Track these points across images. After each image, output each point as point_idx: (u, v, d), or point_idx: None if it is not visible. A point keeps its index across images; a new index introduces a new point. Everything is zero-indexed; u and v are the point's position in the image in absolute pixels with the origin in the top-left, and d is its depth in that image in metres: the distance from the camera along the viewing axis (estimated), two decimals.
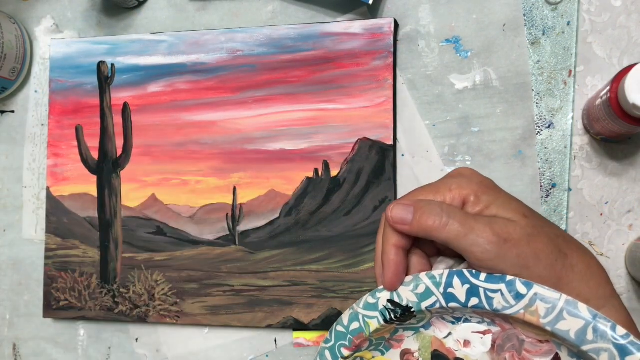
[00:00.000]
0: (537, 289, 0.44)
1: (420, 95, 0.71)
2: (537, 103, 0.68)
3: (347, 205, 0.71)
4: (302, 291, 0.72)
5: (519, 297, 0.45)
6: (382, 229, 0.51)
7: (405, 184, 0.71)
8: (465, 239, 0.45)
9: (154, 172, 0.77)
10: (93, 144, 0.79)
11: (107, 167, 0.79)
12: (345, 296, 0.71)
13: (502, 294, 0.45)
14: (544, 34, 0.68)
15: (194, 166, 0.76)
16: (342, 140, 0.72)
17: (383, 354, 0.54)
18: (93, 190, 0.79)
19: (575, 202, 0.67)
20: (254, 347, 0.75)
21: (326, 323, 0.71)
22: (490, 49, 0.70)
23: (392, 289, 0.50)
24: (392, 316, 0.50)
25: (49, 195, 0.80)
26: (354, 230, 0.71)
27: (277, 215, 0.73)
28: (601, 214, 0.67)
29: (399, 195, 0.71)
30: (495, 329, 0.49)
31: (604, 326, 0.42)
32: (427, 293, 0.48)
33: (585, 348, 0.43)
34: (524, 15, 0.69)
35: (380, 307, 0.50)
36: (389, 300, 0.50)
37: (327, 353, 0.54)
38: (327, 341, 0.54)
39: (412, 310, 0.49)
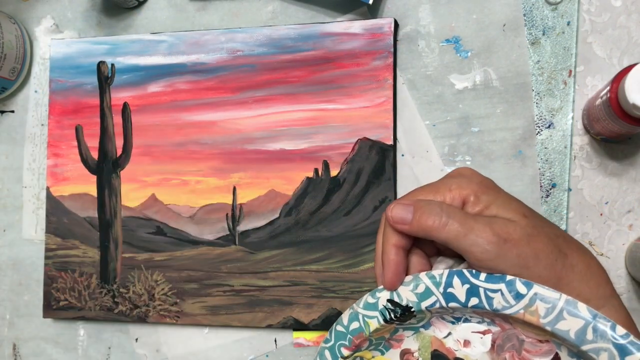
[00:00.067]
0: (537, 288, 0.44)
1: (420, 95, 0.71)
2: (537, 103, 0.68)
3: (347, 205, 0.71)
4: (302, 291, 0.72)
5: (518, 296, 0.45)
6: (382, 229, 0.51)
7: (405, 184, 0.71)
8: (465, 239, 0.45)
9: (154, 172, 0.77)
10: (93, 144, 0.79)
11: (107, 167, 0.79)
12: (345, 296, 0.71)
13: (502, 294, 0.45)
14: (544, 34, 0.68)
15: (194, 166, 0.76)
16: (342, 140, 0.72)
17: (383, 353, 0.54)
18: (93, 190, 0.79)
19: (575, 202, 0.67)
20: (254, 347, 0.75)
21: (326, 323, 0.71)
22: (490, 49, 0.70)
23: (392, 288, 0.50)
24: (392, 316, 0.50)
25: (49, 195, 0.80)
26: (354, 230, 0.71)
27: (277, 215, 0.73)
28: (601, 214, 0.67)
29: (399, 195, 0.71)
30: (495, 329, 0.49)
31: (604, 326, 0.42)
32: (427, 293, 0.48)
33: (585, 348, 0.43)
34: (524, 15, 0.69)
35: (380, 306, 0.50)
36: (388, 300, 0.50)
37: (327, 353, 0.54)
38: (327, 341, 0.54)
39: (412, 310, 0.49)
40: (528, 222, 0.46)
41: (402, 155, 0.71)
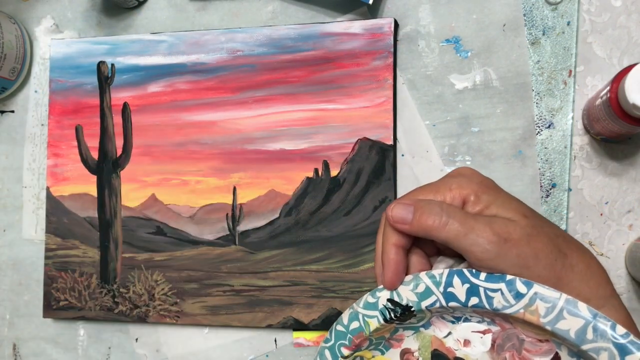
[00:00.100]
0: (537, 288, 0.44)
1: (420, 95, 0.71)
2: (537, 103, 0.68)
3: (347, 205, 0.71)
4: (302, 291, 0.72)
5: (518, 296, 0.45)
6: (382, 229, 0.51)
7: (405, 184, 0.71)
8: (465, 239, 0.45)
9: (154, 172, 0.77)
10: (93, 144, 0.79)
11: (107, 167, 0.79)
12: (345, 296, 0.71)
13: (502, 293, 0.45)
14: (544, 34, 0.68)
15: (194, 166, 0.76)
16: (342, 140, 0.72)
17: (383, 353, 0.54)
18: (93, 190, 0.79)
19: (575, 202, 0.67)
20: (254, 347, 0.75)
21: (326, 323, 0.71)
22: (490, 49, 0.70)
23: (392, 288, 0.49)
24: (392, 315, 0.50)
25: (49, 195, 0.80)
26: (354, 230, 0.71)
27: (277, 215, 0.73)
28: (601, 214, 0.67)
29: (399, 195, 0.71)
30: (495, 329, 0.49)
31: (604, 325, 0.42)
32: (427, 292, 0.48)
33: (585, 347, 0.43)
34: (524, 15, 0.69)
35: (380, 306, 0.50)
36: (388, 300, 0.50)
37: (327, 352, 0.54)
38: (327, 340, 0.54)
39: (412, 309, 0.49)
40: (528, 222, 0.46)
41: (402, 155, 0.71)
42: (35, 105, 0.84)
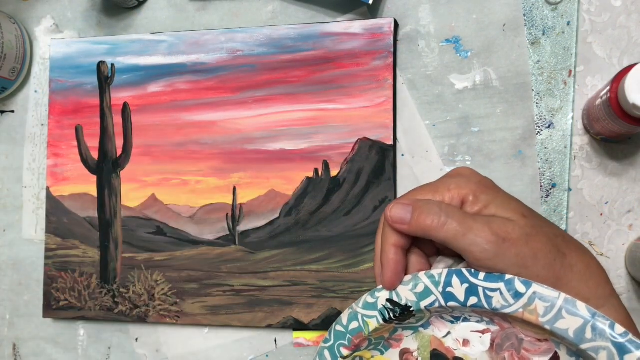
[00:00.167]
0: (535, 287, 0.44)
1: (420, 95, 0.71)
2: (537, 103, 0.68)
3: (347, 205, 0.71)
4: (302, 291, 0.72)
5: (517, 296, 0.45)
6: (381, 229, 0.51)
7: (405, 184, 0.71)
8: (463, 239, 0.45)
9: (154, 172, 0.77)
10: (93, 144, 0.79)
11: (107, 167, 0.79)
12: (345, 296, 0.70)
13: (501, 293, 0.45)
14: (544, 34, 0.68)
15: (194, 166, 0.76)
16: (342, 140, 0.72)
17: (382, 353, 0.54)
18: (93, 190, 0.79)
19: (575, 202, 0.67)
20: (254, 347, 0.75)
21: (326, 323, 0.71)
22: (490, 49, 0.70)
23: (391, 288, 0.49)
24: (391, 315, 0.50)
25: (49, 195, 0.80)
26: (354, 230, 0.71)
27: (277, 215, 0.73)
28: (601, 214, 0.67)
29: (399, 195, 0.71)
30: (494, 328, 0.49)
31: (603, 324, 0.42)
32: (426, 292, 0.48)
33: (584, 346, 0.43)
34: (524, 15, 0.69)
35: (380, 306, 0.50)
36: (388, 300, 0.50)
37: (327, 353, 0.54)
38: (326, 341, 0.54)
39: (411, 309, 0.49)
40: (527, 221, 0.46)
41: (402, 155, 0.71)
42: (35, 105, 0.84)
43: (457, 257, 0.50)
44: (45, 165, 0.83)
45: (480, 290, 0.46)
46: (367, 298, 0.51)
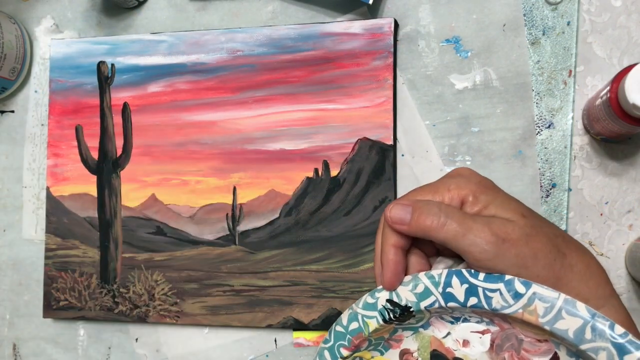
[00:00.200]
0: (535, 288, 0.44)
1: (420, 95, 0.71)
2: (537, 103, 0.68)
3: (347, 205, 0.71)
4: (302, 291, 0.72)
5: (517, 296, 0.45)
6: (381, 229, 0.51)
7: (405, 184, 0.71)
8: (463, 239, 0.45)
9: (154, 172, 0.77)
10: (93, 144, 0.79)
11: (107, 167, 0.79)
12: (345, 296, 0.70)
13: (501, 294, 0.45)
14: (544, 34, 0.68)
15: (194, 166, 0.76)
16: (342, 140, 0.72)
17: (382, 353, 0.54)
18: (93, 190, 0.79)
19: (575, 202, 0.67)
20: (254, 347, 0.75)
21: (326, 323, 0.71)
22: (490, 49, 0.70)
23: (391, 288, 0.49)
24: (391, 316, 0.50)
25: (49, 195, 0.80)
26: (354, 230, 0.71)
27: (277, 215, 0.73)
28: (601, 214, 0.67)
29: (399, 195, 0.71)
30: (494, 329, 0.49)
31: (603, 325, 0.42)
32: (426, 293, 0.48)
33: (583, 347, 0.43)
34: (524, 15, 0.69)
35: (379, 306, 0.50)
36: (388, 300, 0.50)
37: (326, 353, 0.54)
38: (326, 341, 0.54)
39: (411, 309, 0.49)
40: (527, 222, 0.46)
41: (402, 155, 0.71)
42: (35, 105, 0.84)
43: (457, 257, 0.50)
44: (45, 165, 0.83)
45: (480, 290, 0.46)
46: (367, 298, 0.51)
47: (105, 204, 0.78)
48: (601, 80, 0.67)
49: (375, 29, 0.71)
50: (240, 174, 0.74)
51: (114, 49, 0.79)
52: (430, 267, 0.51)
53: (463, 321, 0.50)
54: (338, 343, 0.53)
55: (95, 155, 0.79)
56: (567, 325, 0.43)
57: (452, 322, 0.50)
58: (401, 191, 0.71)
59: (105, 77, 0.79)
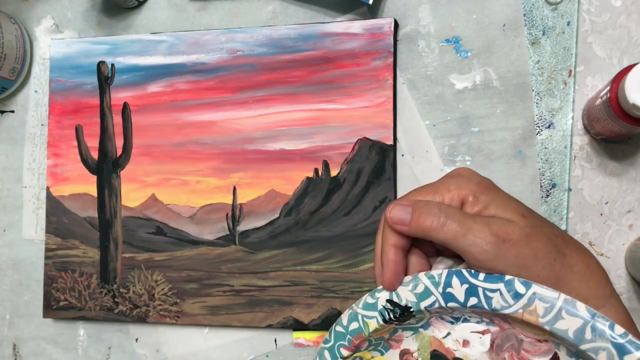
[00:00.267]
0: (535, 288, 0.44)
1: (420, 95, 0.71)
2: (537, 103, 0.68)
3: (347, 205, 0.71)
4: (302, 291, 0.72)
5: (517, 296, 0.45)
6: (381, 229, 0.51)
7: (405, 184, 0.71)
8: (463, 239, 0.45)
9: (154, 172, 0.77)
10: (93, 144, 0.79)
11: (107, 167, 0.79)
12: (345, 296, 0.70)
13: (501, 294, 0.45)
14: (544, 34, 0.68)
15: (194, 166, 0.76)
16: (342, 140, 0.72)
17: (382, 354, 0.54)
18: (93, 190, 0.79)
19: (575, 202, 0.67)
20: (254, 347, 0.75)
21: (326, 323, 0.71)
22: (490, 49, 0.70)
23: (391, 288, 0.49)
24: (391, 316, 0.50)
25: (49, 195, 0.80)
26: (354, 230, 0.71)
27: (277, 215, 0.73)
28: (601, 214, 0.67)
29: (399, 195, 0.71)
30: (494, 329, 0.49)
31: (603, 325, 0.42)
32: (426, 293, 0.48)
33: (583, 347, 0.43)
34: (524, 15, 0.69)
35: (380, 307, 0.50)
36: (388, 300, 0.50)
37: (327, 353, 0.54)
38: (326, 341, 0.54)
39: (411, 310, 0.49)
40: (527, 222, 0.46)
41: (402, 155, 0.71)
42: (35, 105, 0.84)
43: (457, 257, 0.50)
44: (45, 165, 0.83)
45: (480, 290, 0.46)
46: (367, 298, 0.51)
47: (105, 204, 0.78)
48: (601, 80, 0.67)
49: (375, 29, 0.71)
50: (240, 174, 0.74)
51: (114, 49, 0.79)
52: (430, 267, 0.51)
53: (463, 321, 0.50)
54: (338, 343, 0.53)
55: (95, 155, 0.79)
56: (567, 326, 0.43)
57: (452, 322, 0.50)
58: (401, 191, 0.71)
59: (105, 77, 0.79)
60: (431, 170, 0.71)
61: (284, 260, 0.72)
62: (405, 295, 0.49)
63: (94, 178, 0.79)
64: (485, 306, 0.46)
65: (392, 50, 0.70)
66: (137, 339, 0.79)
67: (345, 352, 0.53)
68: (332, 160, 0.72)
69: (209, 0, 0.78)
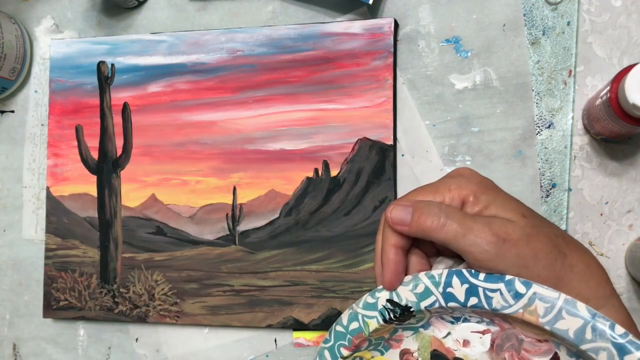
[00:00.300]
0: (536, 288, 0.44)
1: (420, 95, 0.71)
2: (537, 103, 0.68)
3: (347, 205, 0.71)
4: (302, 291, 0.72)
5: (517, 296, 0.45)
6: (382, 229, 0.51)
7: (405, 184, 0.71)
8: (463, 239, 0.45)
9: (154, 172, 0.77)
10: (93, 144, 0.79)
11: (107, 167, 0.79)
12: (345, 296, 0.70)
13: (501, 294, 0.45)
14: (544, 34, 0.68)
15: (194, 166, 0.76)
16: (342, 140, 0.72)
17: (382, 353, 0.54)
18: (93, 190, 0.79)
19: (575, 202, 0.67)
20: (254, 347, 0.75)
21: (326, 323, 0.71)
22: (490, 49, 0.70)
23: (392, 288, 0.49)
24: (392, 316, 0.50)
25: (49, 195, 0.80)
26: (354, 230, 0.71)
27: (277, 215, 0.73)
28: (601, 214, 0.67)
29: (399, 195, 0.71)
30: (494, 329, 0.49)
31: (603, 325, 0.42)
32: (426, 293, 0.48)
33: (584, 347, 0.43)
34: (524, 15, 0.69)
35: (380, 306, 0.50)
36: (388, 300, 0.50)
37: (327, 353, 0.54)
38: (326, 341, 0.54)
39: (411, 309, 0.49)
40: (527, 222, 0.46)
41: (402, 155, 0.71)
42: (35, 105, 0.84)
43: (457, 257, 0.50)
44: (45, 165, 0.83)
45: (481, 290, 0.46)
46: (367, 298, 0.51)
47: (105, 204, 0.78)
48: (601, 80, 0.67)
49: (375, 29, 0.71)
50: (240, 174, 0.74)
51: (114, 49, 0.79)
52: (430, 267, 0.51)
53: (463, 321, 0.50)
54: (338, 343, 0.53)
55: (95, 155, 0.79)
56: (568, 326, 0.43)
57: (452, 322, 0.50)
58: (401, 191, 0.71)
59: (105, 77, 0.79)
60: (431, 170, 0.71)
61: (284, 260, 0.72)
62: (406, 295, 0.49)
63: (94, 178, 0.79)
64: (486, 306, 0.46)
65: (392, 50, 0.70)
66: (137, 339, 0.79)
67: (345, 352, 0.53)
68: (332, 160, 0.72)
69: (209, 0, 0.78)
